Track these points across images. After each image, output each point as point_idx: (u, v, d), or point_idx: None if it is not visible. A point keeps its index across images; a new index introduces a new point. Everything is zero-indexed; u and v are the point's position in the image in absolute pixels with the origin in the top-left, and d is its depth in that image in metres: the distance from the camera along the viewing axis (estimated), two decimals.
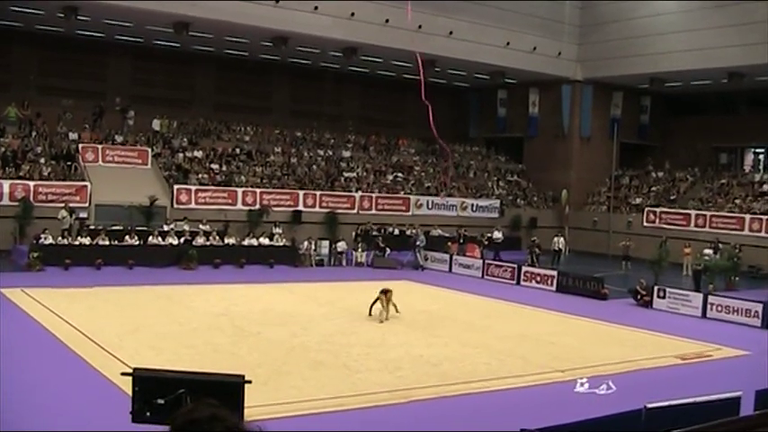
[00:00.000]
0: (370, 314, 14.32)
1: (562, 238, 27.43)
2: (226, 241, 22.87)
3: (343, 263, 23.95)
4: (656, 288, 18.27)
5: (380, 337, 12.95)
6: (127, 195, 22.47)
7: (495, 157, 37.22)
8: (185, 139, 28.06)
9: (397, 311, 14.45)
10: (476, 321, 15.19)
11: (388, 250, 25.16)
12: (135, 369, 4.89)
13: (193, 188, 25.04)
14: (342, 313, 15.38)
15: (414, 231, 26.75)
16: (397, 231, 27.74)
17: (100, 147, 24.52)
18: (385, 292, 14.26)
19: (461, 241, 26.08)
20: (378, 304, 14.20)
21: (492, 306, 17.68)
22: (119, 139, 25.83)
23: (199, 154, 27.61)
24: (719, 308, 16.82)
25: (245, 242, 23.12)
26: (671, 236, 27.03)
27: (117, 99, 27.90)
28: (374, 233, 26.84)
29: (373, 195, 29.05)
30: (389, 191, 30.23)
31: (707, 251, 23.40)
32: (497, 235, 27.76)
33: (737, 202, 28.92)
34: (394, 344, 12.36)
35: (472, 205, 31.31)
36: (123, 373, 4.89)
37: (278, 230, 24.69)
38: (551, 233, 28.62)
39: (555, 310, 16.85)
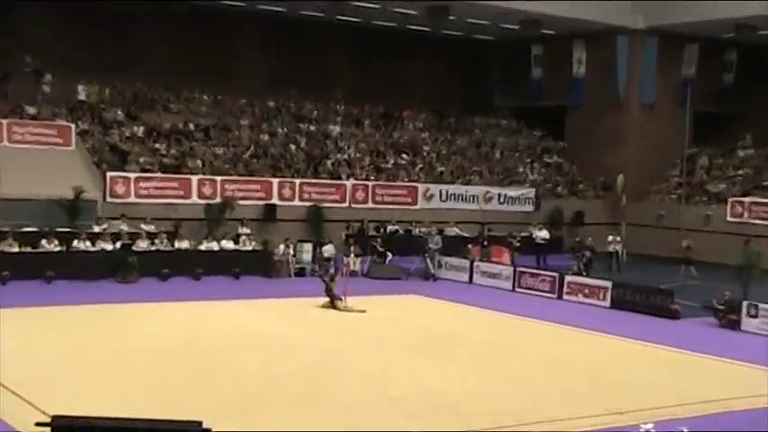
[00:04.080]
0: (331, 305, 17.41)
1: (618, 238, 27.59)
2: (177, 245, 22.96)
3: (332, 272, 23.64)
4: (745, 304, 18.19)
5: (380, 365, 13.09)
6: (42, 186, 22.25)
7: (529, 133, 37.38)
8: (121, 112, 28.08)
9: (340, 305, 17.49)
10: (504, 346, 15.37)
11: (390, 255, 25.34)
12: (54, 417, 4.83)
13: (133, 176, 25.12)
14: (330, 336, 15.54)
15: (423, 231, 26.91)
16: (401, 230, 27.91)
17: (5, 122, 24.38)
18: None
19: (485, 243, 26.11)
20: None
21: (526, 327, 17.73)
22: (30, 110, 25.81)
23: (140, 131, 27.65)
24: None
25: (203, 246, 23.26)
26: (759, 233, 27.21)
27: (27, 58, 27.10)
28: (371, 233, 26.98)
29: (370, 184, 29.19)
30: (391, 178, 30.39)
31: None
32: (542, 234, 27.81)
33: None
34: (398, 375, 12.52)
35: (499, 195, 31.41)
36: (39, 423, 4.88)
37: (245, 230, 24.77)
38: (603, 231, 28.74)
39: (610, 333, 16.96)
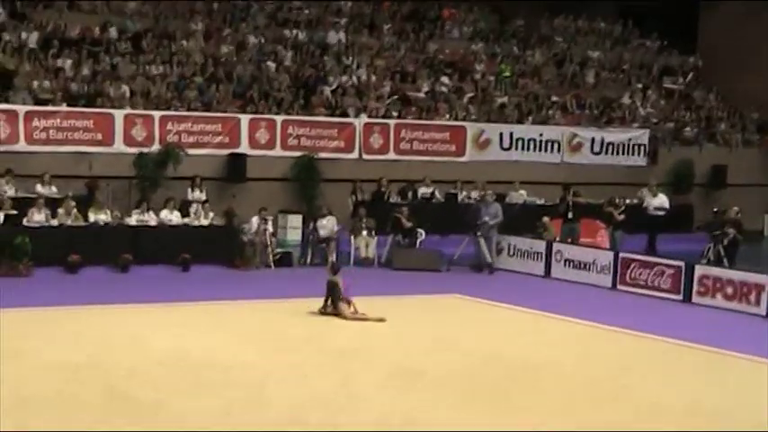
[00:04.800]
0: (324, 309, 18.15)
1: None
2: (92, 218, 23.02)
3: (332, 260, 23.49)
4: None
5: (404, 410, 12.88)
6: None
7: (640, 43, 37.62)
8: (2, 9, 28.21)
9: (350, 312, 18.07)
10: (605, 378, 15.13)
11: (422, 234, 25.42)
12: None
13: (23, 110, 25.29)
14: (327, 363, 15.34)
15: (474, 196, 27.04)
16: (439, 196, 28.02)
17: None
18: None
19: (570, 215, 25.89)
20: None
21: (637, 346, 17.57)
22: None
23: (32, 39, 27.67)
24: None
25: (132, 220, 23.38)
26: None
27: None
28: (393, 200, 27.11)
29: (391, 123, 29.18)
30: (424, 114, 30.28)
31: None
32: (656, 201, 27.81)
33: None
34: (430, 426, 12.34)
35: (593, 141, 31.45)
36: None
37: (199, 195, 25.06)
38: (755, 197, 29.60)
39: None
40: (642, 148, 32.20)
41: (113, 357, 15.05)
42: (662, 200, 28.22)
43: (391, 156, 29.03)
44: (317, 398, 13.35)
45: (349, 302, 18.36)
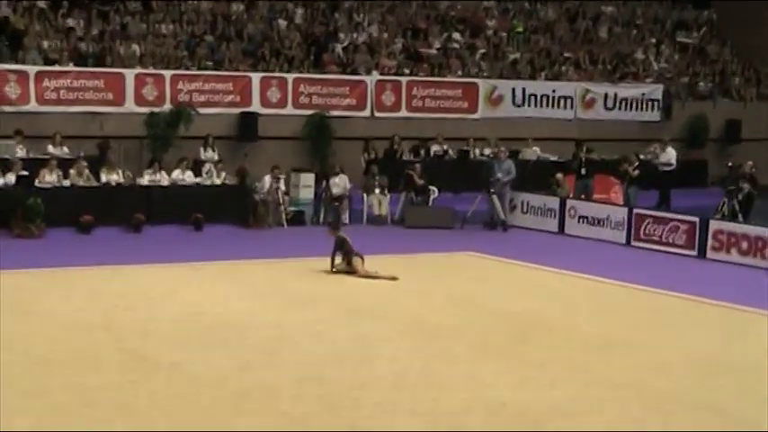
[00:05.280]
0: (332, 269, 18.32)
1: None
2: (104, 179, 23.05)
3: (345, 218, 24.01)
4: None
5: (420, 364, 12.95)
6: None
7: None
8: None
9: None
10: (615, 335, 15.14)
11: (435, 192, 25.51)
12: None
13: (33, 70, 25.20)
14: (341, 320, 15.41)
15: (487, 153, 26.97)
16: (452, 153, 28.02)
17: None
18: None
19: (583, 171, 26.05)
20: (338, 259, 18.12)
21: (649, 303, 17.62)
22: None
23: None
24: None
25: (144, 180, 23.43)
26: None
27: None
28: (406, 157, 27.05)
29: (403, 81, 29.13)
30: (434, 71, 30.21)
31: None
32: (663, 157, 27.78)
33: None
34: (448, 379, 12.41)
35: (606, 97, 31.37)
36: None
37: (211, 155, 25.01)
38: None
39: None
40: (656, 103, 32.00)
41: (128, 317, 15.04)
42: (669, 155, 28.11)
43: (403, 113, 28.90)
44: (334, 354, 13.40)
45: (361, 257, 18.40)
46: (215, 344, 13.75)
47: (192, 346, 13.59)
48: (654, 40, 35.12)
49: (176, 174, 23.71)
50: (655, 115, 31.93)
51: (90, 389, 11.54)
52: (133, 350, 13.35)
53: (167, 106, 25.67)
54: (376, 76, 29.11)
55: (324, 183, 24.82)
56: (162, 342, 13.83)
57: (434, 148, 28.10)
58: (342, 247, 18.46)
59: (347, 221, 23.62)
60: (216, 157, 24.91)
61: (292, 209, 24.30)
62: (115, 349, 13.34)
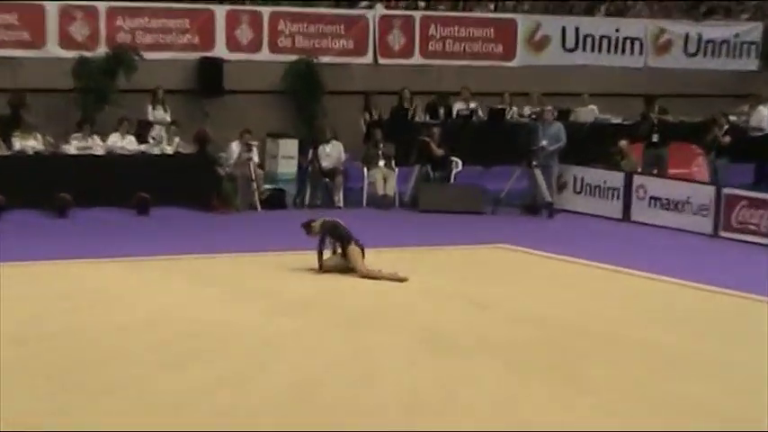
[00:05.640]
0: (320, 267, 16.76)
1: None
2: (17, 146, 22.10)
3: (338, 199, 23.30)
4: None
5: (437, 387, 12.05)
6: None
7: None
8: None
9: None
10: (699, 352, 13.80)
11: (459, 165, 24.02)
12: None
13: None
14: (337, 329, 14.51)
15: (530, 113, 25.39)
16: (481, 113, 26.30)
17: None
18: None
19: (655, 138, 24.13)
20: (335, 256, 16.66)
21: (743, 313, 15.95)
22: None
23: None
24: None
25: (71, 147, 22.40)
26: None
27: None
28: (419, 119, 25.55)
29: (416, 16, 27.25)
30: (458, 3, 29.05)
31: None
32: (755, 118, 26.09)
33: None
34: (471, 404, 11.52)
35: (686, 40, 29.49)
36: None
37: (161, 115, 23.93)
38: None
39: None
40: (753, 47, 29.88)
41: (50, 327, 13.72)
42: (760, 116, 26.23)
43: (416, 60, 26.74)
44: (329, 370, 12.74)
45: (362, 250, 16.81)
46: (185, 356, 12.87)
47: (158, 360, 12.65)
48: None
49: (114, 139, 22.33)
50: (752, 63, 29.74)
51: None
52: (90, 365, 12.42)
53: (102, 49, 23.87)
54: (380, 9, 26.90)
55: (311, 152, 23.30)
56: (120, 355, 12.85)
57: (458, 107, 25.80)
58: (333, 233, 16.91)
59: (341, 204, 23.00)
60: (168, 118, 23.41)
61: (268, 187, 23.07)
62: (41, 369, 12.10)
